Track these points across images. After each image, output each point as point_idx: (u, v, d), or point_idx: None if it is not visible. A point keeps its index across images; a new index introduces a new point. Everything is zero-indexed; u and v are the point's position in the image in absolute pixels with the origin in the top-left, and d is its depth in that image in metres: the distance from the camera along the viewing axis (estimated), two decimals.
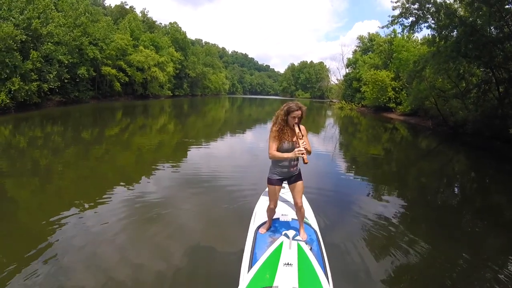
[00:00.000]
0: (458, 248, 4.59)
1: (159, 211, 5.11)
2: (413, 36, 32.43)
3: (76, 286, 3.20)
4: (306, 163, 3.08)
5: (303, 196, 3.70)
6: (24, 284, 3.15)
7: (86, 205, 5.21)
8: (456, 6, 15.11)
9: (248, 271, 2.82)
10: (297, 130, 3.24)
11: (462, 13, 14.73)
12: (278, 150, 3.29)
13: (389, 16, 17.15)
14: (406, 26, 16.73)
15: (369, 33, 52.77)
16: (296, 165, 3.41)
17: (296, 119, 3.24)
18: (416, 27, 16.44)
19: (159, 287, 3.29)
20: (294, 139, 3.28)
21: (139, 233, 4.36)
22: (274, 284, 2.46)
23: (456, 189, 8.70)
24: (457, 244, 4.73)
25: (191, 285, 3.35)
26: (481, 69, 17.21)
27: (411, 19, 16.36)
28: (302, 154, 3.09)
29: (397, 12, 16.66)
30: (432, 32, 16.91)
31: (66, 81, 24.79)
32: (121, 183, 6.64)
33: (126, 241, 4.11)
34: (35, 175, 7.36)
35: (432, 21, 16.17)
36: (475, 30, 13.81)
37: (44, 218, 4.68)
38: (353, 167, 10.37)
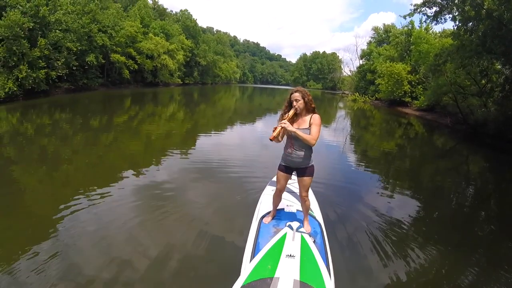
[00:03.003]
0: (467, 254, 4.37)
1: (167, 198, 5.20)
2: (431, 29, 31.21)
3: (87, 270, 3.24)
4: (270, 139, 3.04)
5: (310, 189, 3.63)
6: (36, 269, 3.16)
7: (95, 192, 5.20)
8: None
9: (250, 260, 2.81)
10: (292, 112, 3.20)
11: (487, 5, 13.70)
12: (284, 133, 3.24)
13: (411, 4, 16.34)
14: (429, 16, 15.80)
15: (384, 24, 51.37)
16: (301, 157, 3.25)
17: (296, 102, 3.20)
18: (439, 17, 15.47)
19: (163, 271, 3.30)
20: (298, 124, 3.25)
21: (146, 219, 4.41)
22: (276, 275, 2.45)
23: (471, 193, 8.03)
24: (467, 251, 4.48)
25: (193, 272, 3.37)
26: (506, 67, 16.12)
27: (434, 9, 15.42)
28: (274, 128, 3.06)
29: (419, 0, 15.76)
30: (455, 24, 15.92)
31: (74, 68, 24.41)
32: (130, 171, 6.60)
33: (134, 227, 4.17)
34: (43, 162, 7.27)
35: (456, 12, 15.16)
36: (502, 24, 12.87)
37: (54, 205, 4.69)
38: (364, 161, 10.05)
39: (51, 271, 3.14)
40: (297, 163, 3.28)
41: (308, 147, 3.24)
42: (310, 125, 3.16)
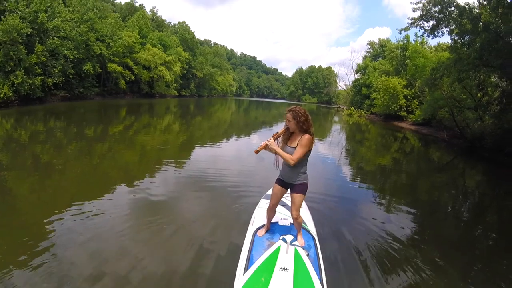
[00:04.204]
0: (465, 271, 4.32)
1: (160, 210, 5.14)
2: (427, 43, 31.64)
3: (79, 281, 3.16)
4: (255, 152, 3.24)
5: (304, 203, 3.75)
6: (26, 278, 3.11)
7: (88, 202, 5.10)
8: (477, 11, 14.26)
9: (244, 273, 2.80)
10: (282, 130, 3.38)
11: (484, 18, 13.89)
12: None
13: (408, 18, 16.46)
14: (426, 30, 15.96)
15: (379, 39, 52.18)
16: (294, 174, 3.34)
17: (288, 122, 3.30)
18: (436, 31, 15.65)
19: (156, 283, 3.26)
20: (290, 142, 3.37)
21: (140, 230, 4.35)
22: None
23: (469, 208, 7.94)
24: (464, 267, 4.42)
25: (187, 284, 3.33)
26: (503, 80, 16.27)
27: (431, 22, 15.59)
28: (261, 145, 3.21)
29: (417, 14, 15.96)
30: (452, 37, 16.08)
31: (71, 76, 24.36)
32: (124, 182, 6.53)
33: (127, 239, 4.10)
34: (36, 170, 7.10)
35: (453, 26, 15.35)
36: (499, 37, 13.02)
37: (46, 214, 4.58)
38: (359, 175, 10.03)
39: (42, 283, 3.07)
40: (288, 177, 3.38)
41: (298, 164, 3.29)
42: (297, 144, 3.23)
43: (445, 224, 6.27)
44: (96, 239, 3.97)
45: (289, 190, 3.52)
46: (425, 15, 15.59)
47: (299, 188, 3.35)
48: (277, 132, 3.35)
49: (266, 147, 3.23)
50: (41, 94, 20.54)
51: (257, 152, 3.24)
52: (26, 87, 18.57)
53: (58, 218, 4.44)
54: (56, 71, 21.76)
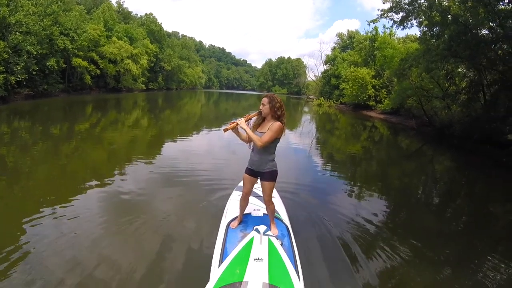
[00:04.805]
0: (434, 253, 4.41)
1: (132, 207, 5.12)
2: (395, 35, 32.61)
3: (51, 285, 3.10)
4: (223, 130, 3.29)
5: (275, 191, 3.85)
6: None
7: (58, 205, 4.96)
8: (446, 3, 14.85)
9: (219, 266, 2.81)
10: (255, 113, 3.41)
11: (453, 11, 14.51)
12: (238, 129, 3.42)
13: (378, 10, 16.88)
14: (396, 22, 16.45)
15: (348, 30, 53.17)
16: (259, 160, 3.39)
17: (262, 106, 3.33)
18: (406, 22, 16.18)
19: (130, 280, 3.24)
20: (261, 128, 3.39)
21: (112, 229, 4.30)
22: (244, 279, 2.47)
23: (438, 194, 8.37)
24: (433, 249, 4.53)
25: (162, 279, 3.32)
26: (470, 70, 17.14)
27: (401, 14, 16.09)
28: (231, 123, 3.26)
29: (386, 6, 16.42)
30: (421, 29, 16.70)
31: (34, 73, 23.00)
32: (94, 181, 6.42)
33: (99, 238, 4.05)
34: (1, 174, 6.63)
35: (423, 17, 15.92)
36: (468, 29, 13.67)
37: (14, 219, 4.46)
38: (330, 163, 10.39)
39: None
40: (257, 165, 3.40)
41: (266, 152, 3.35)
42: (268, 129, 3.27)
43: (416, 209, 6.65)
44: (67, 242, 3.88)
45: (259, 180, 3.58)
46: (395, 7, 16.02)
47: (268, 176, 3.40)
48: (249, 114, 3.38)
49: (235, 126, 3.27)
50: (4, 93, 19.30)
51: (225, 130, 3.25)
52: None
53: (27, 223, 4.30)
54: (19, 68, 20.48)
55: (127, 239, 4.05)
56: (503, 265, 4.20)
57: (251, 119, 3.38)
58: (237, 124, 3.23)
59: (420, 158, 13.20)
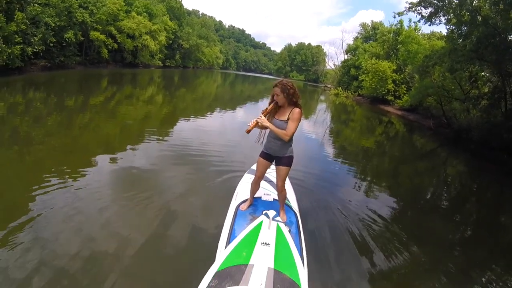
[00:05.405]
0: (440, 253, 4.46)
1: (143, 184, 5.09)
2: (420, 30, 31.41)
3: (60, 255, 3.12)
4: (246, 132, 3.16)
5: (288, 179, 3.77)
6: (7, 255, 3.02)
7: (69, 176, 4.97)
8: (476, 3, 14.06)
9: (226, 247, 2.82)
10: (271, 107, 3.26)
11: (484, 12, 13.74)
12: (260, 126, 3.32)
13: (406, 2, 16.19)
14: (423, 16, 15.77)
15: (372, 21, 51.59)
16: (278, 145, 3.32)
17: (276, 96, 3.22)
18: (434, 18, 15.46)
19: (137, 256, 3.26)
20: (278, 115, 3.30)
21: (122, 203, 4.31)
22: (250, 262, 2.46)
23: (447, 196, 8.19)
24: (439, 249, 4.59)
25: (168, 257, 3.35)
26: (494, 76, 16.35)
27: (430, 9, 15.40)
28: (250, 123, 3.15)
29: None
30: (448, 27, 15.95)
31: (51, 45, 22.97)
32: (105, 154, 6.44)
33: (109, 211, 4.06)
34: (15, 143, 6.72)
35: (452, 15, 15.16)
36: (497, 33, 12.95)
37: (25, 188, 4.45)
38: (343, 155, 10.33)
39: (24, 262, 2.99)
40: (275, 150, 3.37)
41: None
42: (288, 118, 3.20)
43: (424, 210, 6.51)
44: (77, 214, 3.89)
45: (273, 166, 3.57)
46: (424, 1, 15.39)
47: (286, 161, 3.37)
48: (266, 109, 3.28)
49: (257, 125, 3.20)
50: (21, 64, 19.33)
51: (248, 131, 3.18)
52: (5, 57, 17.43)
53: (37, 193, 4.30)
54: (36, 40, 20.43)
55: (135, 215, 4.07)
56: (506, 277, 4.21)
57: (269, 113, 3.29)
58: (258, 122, 3.16)
59: (433, 159, 12.85)
